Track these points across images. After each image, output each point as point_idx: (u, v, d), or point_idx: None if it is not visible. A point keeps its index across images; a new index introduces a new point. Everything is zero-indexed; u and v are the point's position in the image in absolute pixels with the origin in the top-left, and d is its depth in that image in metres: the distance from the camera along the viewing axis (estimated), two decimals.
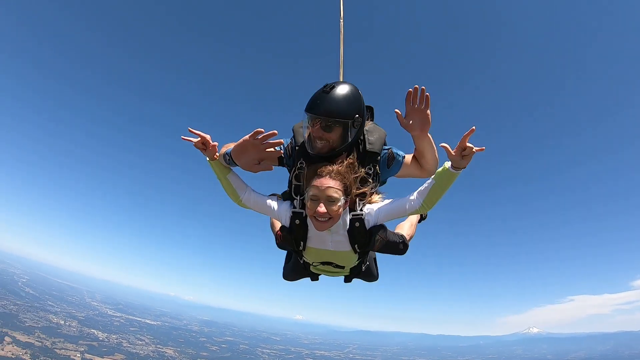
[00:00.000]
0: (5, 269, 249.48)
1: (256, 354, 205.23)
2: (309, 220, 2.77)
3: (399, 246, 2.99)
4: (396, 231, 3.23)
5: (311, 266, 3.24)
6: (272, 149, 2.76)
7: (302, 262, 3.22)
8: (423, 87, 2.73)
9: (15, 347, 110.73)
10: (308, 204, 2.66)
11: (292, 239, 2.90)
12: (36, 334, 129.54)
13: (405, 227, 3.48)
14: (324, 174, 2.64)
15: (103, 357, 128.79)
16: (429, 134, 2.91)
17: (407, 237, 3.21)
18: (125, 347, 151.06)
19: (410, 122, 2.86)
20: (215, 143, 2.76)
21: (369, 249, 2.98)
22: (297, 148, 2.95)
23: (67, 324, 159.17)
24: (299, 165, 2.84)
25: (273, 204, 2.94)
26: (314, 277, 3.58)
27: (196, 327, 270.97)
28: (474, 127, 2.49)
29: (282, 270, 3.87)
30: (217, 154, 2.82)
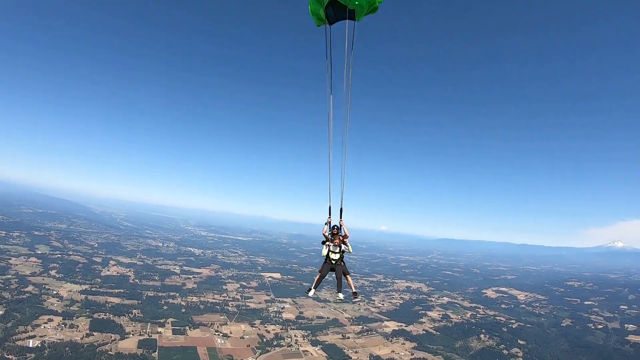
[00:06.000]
0: (104, 211, 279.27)
1: (344, 260, 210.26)
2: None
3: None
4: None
5: (329, 254, 13.02)
6: None
7: (326, 257, 13.15)
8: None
9: (119, 267, 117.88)
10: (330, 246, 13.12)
11: (329, 250, 12.99)
12: (138, 256, 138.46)
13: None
14: (336, 238, 12.91)
15: (200, 268, 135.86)
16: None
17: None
18: (220, 259, 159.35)
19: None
20: None
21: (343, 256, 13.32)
22: (329, 233, 13.02)
23: (165, 245, 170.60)
24: (329, 237, 12.95)
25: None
26: (328, 270, 13.17)
27: (285, 240, 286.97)
28: None
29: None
30: None
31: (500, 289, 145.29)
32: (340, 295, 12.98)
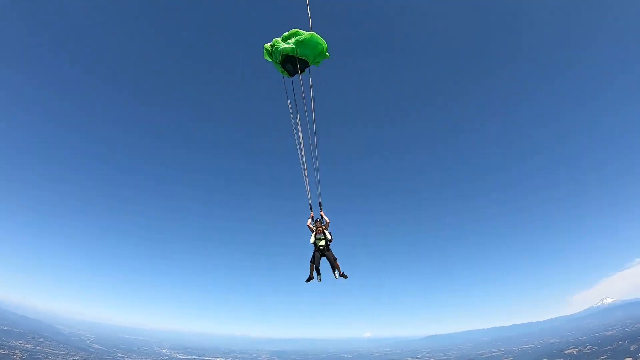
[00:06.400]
0: (72, 332, 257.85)
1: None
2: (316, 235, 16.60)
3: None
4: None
5: (316, 241, 16.30)
6: None
7: (314, 245, 16.38)
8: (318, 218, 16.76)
9: None
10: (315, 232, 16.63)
11: (315, 238, 16.22)
12: None
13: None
14: (318, 227, 16.40)
15: None
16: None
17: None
18: None
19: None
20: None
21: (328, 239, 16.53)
22: (314, 226, 16.60)
23: None
24: (313, 228, 16.44)
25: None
26: (319, 257, 16.28)
27: (266, 357, 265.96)
28: None
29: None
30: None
31: None
32: (337, 274, 15.86)
